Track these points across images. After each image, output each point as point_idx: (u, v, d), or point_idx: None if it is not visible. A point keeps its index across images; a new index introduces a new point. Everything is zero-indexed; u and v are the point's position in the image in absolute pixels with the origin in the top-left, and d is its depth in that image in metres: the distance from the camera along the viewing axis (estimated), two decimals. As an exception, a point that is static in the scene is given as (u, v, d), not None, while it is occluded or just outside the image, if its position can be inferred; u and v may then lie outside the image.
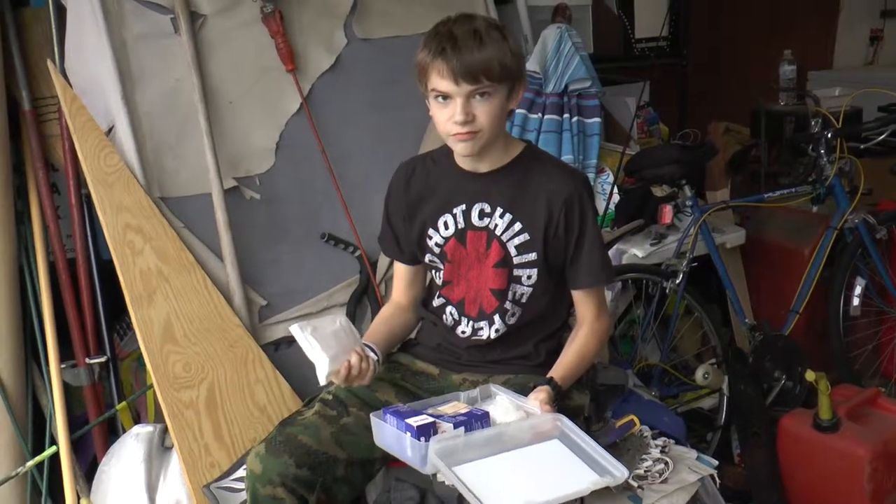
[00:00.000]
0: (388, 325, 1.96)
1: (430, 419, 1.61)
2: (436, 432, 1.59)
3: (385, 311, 2.02)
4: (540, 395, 1.68)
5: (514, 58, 1.70)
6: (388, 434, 1.65)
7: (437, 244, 1.87)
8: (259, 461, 1.67)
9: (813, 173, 3.05)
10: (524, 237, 1.81)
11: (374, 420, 1.68)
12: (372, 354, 1.80)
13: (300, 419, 1.76)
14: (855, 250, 3.02)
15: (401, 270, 2.00)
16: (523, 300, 1.86)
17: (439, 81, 1.67)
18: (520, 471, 1.56)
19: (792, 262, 3.18)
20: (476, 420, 1.64)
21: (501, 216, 1.81)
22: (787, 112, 3.53)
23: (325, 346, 1.68)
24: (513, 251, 1.82)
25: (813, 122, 3.08)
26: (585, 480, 1.53)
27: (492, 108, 1.69)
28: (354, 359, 1.72)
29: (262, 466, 1.66)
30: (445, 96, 1.69)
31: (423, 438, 1.58)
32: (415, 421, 1.60)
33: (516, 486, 1.51)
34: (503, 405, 1.70)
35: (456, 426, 1.61)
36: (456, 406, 1.70)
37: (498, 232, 1.82)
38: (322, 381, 1.68)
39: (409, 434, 1.59)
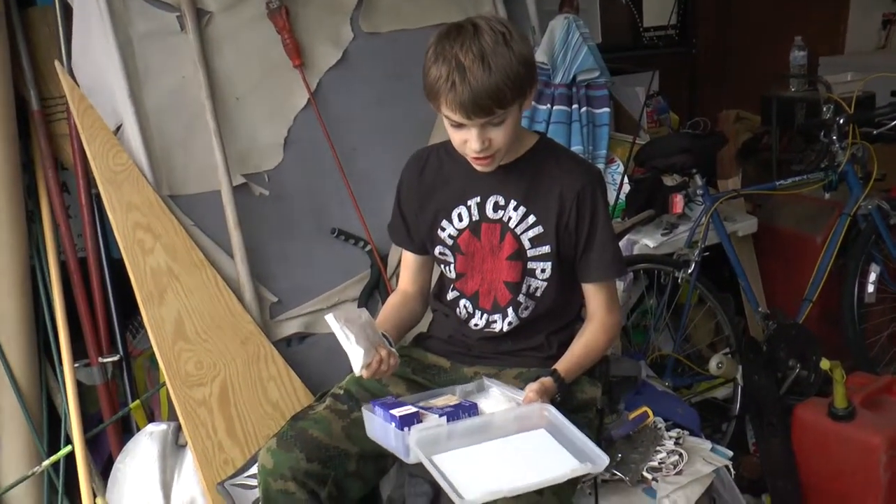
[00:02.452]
0: (397, 314, 1.94)
1: (414, 409, 1.62)
2: (420, 422, 1.61)
3: (392, 299, 2.00)
4: (533, 385, 1.68)
5: (524, 66, 1.64)
6: (377, 425, 1.65)
7: (450, 236, 1.86)
8: (270, 456, 1.67)
9: (825, 160, 3.02)
10: (538, 230, 1.80)
11: (365, 412, 1.68)
12: (391, 347, 1.79)
13: (311, 414, 1.76)
14: (869, 237, 3.00)
15: (409, 259, 1.99)
16: (537, 294, 1.85)
17: (451, 113, 1.64)
18: (500, 459, 1.55)
19: (805, 249, 3.16)
20: (463, 411, 1.64)
21: (515, 209, 1.80)
22: (798, 98, 3.49)
23: (358, 338, 1.68)
24: (527, 244, 1.81)
25: (825, 108, 3.05)
26: (564, 467, 1.52)
27: (507, 129, 1.67)
28: (384, 352, 1.70)
29: (274, 461, 1.66)
30: (459, 124, 1.67)
31: (406, 428, 1.59)
32: (399, 411, 1.61)
33: (493, 474, 1.51)
34: (495, 397, 1.70)
35: (441, 416, 1.62)
36: (448, 399, 1.71)
37: (512, 224, 1.81)
38: (357, 373, 1.67)
39: (392, 424, 1.60)
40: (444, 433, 1.58)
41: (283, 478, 1.65)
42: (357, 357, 1.66)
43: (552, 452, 1.56)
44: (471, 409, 1.65)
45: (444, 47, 1.62)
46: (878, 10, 5.06)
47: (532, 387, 1.67)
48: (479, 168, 1.75)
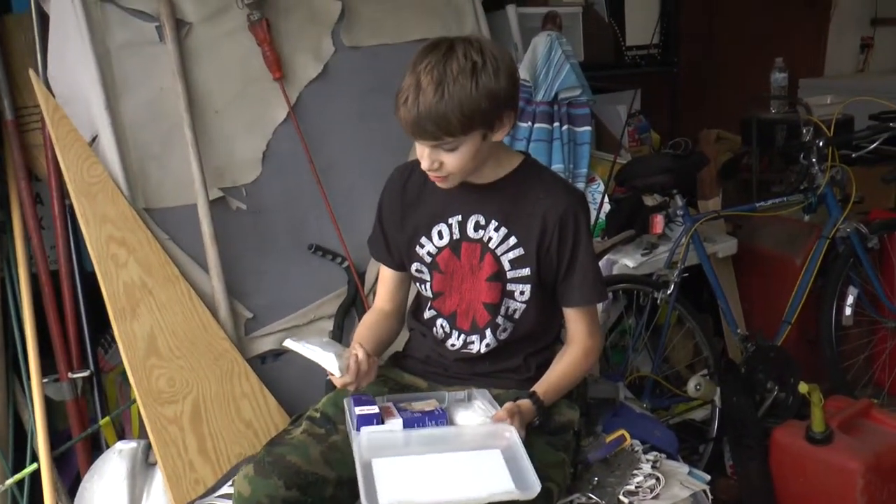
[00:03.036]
0: (373, 332, 1.91)
1: (376, 410, 1.63)
2: (379, 421, 1.61)
3: (368, 317, 1.97)
4: (509, 405, 1.66)
5: (488, 100, 1.59)
6: (348, 420, 1.67)
7: (429, 253, 1.83)
8: (248, 483, 1.63)
9: (805, 182, 3.03)
10: (518, 252, 1.78)
11: (346, 402, 1.69)
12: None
13: (288, 438, 1.73)
14: (847, 260, 3.01)
15: (387, 275, 1.96)
16: (516, 316, 1.83)
17: (404, 129, 1.64)
18: (440, 472, 1.54)
19: (784, 271, 3.17)
20: (431, 419, 1.63)
21: (496, 229, 1.78)
22: (778, 120, 3.52)
23: (324, 347, 1.66)
24: (507, 265, 1.79)
25: (804, 131, 3.06)
26: (490, 489, 1.50)
27: (461, 156, 1.65)
28: (360, 352, 1.68)
29: (251, 488, 1.62)
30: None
31: (360, 429, 1.61)
32: (362, 409, 1.62)
33: (421, 485, 1.50)
34: (474, 409, 1.69)
35: (406, 421, 1.62)
36: (428, 404, 1.70)
37: (492, 245, 1.79)
38: (338, 375, 1.65)
39: (355, 422, 1.62)
40: (397, 438, 1.59)
41: None
42: (331, 362, 1.64)
43: (493, 474, 1.54)
44: (439, 419, 1.64)
45: (416, 62, 1.61)
46: (857, 34, 5.13)
47: (506, 406, 1.65)
48: (437, 184, 1.73)
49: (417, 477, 1.52)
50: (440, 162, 1.66)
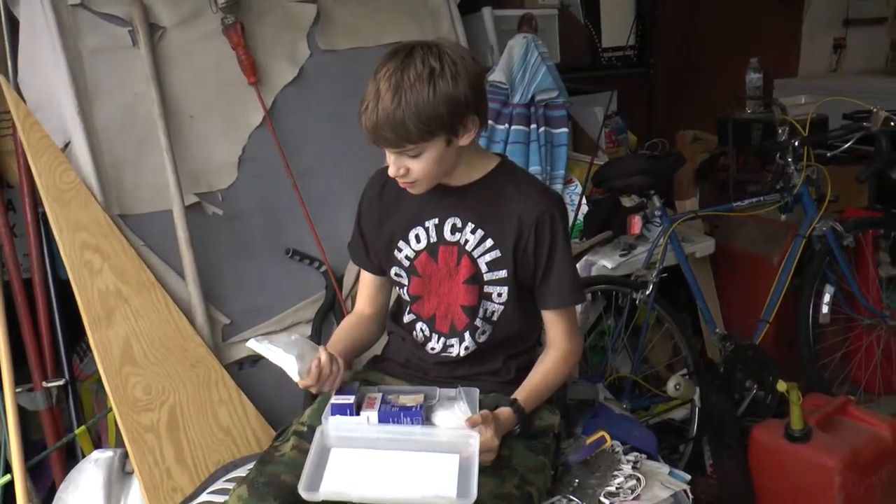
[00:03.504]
0: (350, 335, 1.91)
1: (352, 400, 1.65)
2: (352, 412, 1.64)
3: (348, 321, 1.97)
4: (486, 413, 1.65)
5: (447, 105, 1.58)
6: (327, 410, 1.69)
7: (406, 257, 1.83)
8: None
9: (781, 181, 3.05)
10: (495, 254, 1.77)
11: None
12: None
13: (278, 456, 1.71)
14: (823, 258, 3.03)
15: (367, 279, 1.96)
16: (494, 318, 1.82)
17: (365, 135, 1.64)
18: (389, 469, 1.57)
19: (761, 270, 3.19)
20: (407, 415, 1.64)
21: (473, 231, 1.78)
22: (754, 120, 3.54)
23: (287, 349, 1.65)
24: (483, 267, 1.79)
25: (780, 131, 3.08)
26: (422, 491, 1.53)
27: (425, 162, 1.65)
28: (324, 356, 1.67)
29: None
30: None
31: (339, 417, 1.65)
32: (338, 399, 1.65)
33: (363, 480, 1.55)
34: (454, 410, 1.68)
35: (381, 415, 1.64)
36: (412, 399, 1.70)
37: (469, 248, 1.78)
38: (297, 379, 1.64)
39: (329, 409, 1.65)
40: (363, 431, 1.62)
41: None
42: (290, 364, 1.64)
43: (442, 478, 1.55)
44: (415, 416, 1.64)
45: (377, 69, 1.62)
46: (829, 35, 5.18)
47: (483, 413, 1.64)
48: (407, 189, 1.74)
49: (366, 471, 1.55)
50: (406, 168, 1.66)
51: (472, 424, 1.61)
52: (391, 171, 1.68)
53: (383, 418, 1.64)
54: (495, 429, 1.63)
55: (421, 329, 1.86)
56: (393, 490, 1.54)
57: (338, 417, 1.64)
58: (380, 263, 1.90)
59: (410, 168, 1.66)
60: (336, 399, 1.66)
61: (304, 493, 1.51)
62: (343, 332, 1.92)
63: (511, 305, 1.81)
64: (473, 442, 1.58)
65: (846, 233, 3.03)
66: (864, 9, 5.18)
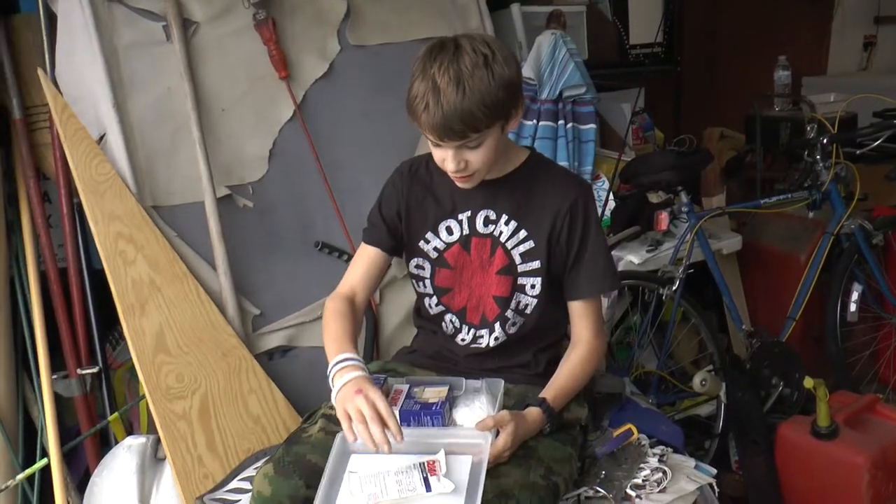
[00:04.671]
0: (351, 324, 1.79)
1: None
2: None
3: (339, 306, 1.80)
4: (503, 414, 1.63)
5: (504, 90, 1.60)
6: None
7: (435, 249, 1.84)
8: (268, 482, 1.63)
9: (809, 179, 3.04)
10: (529, 244, 1.79)
11: None
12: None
13: (305, 437, 1.73)
14: (851, 256, 3.01)
15: (371, 256, 1.87)
16: (526, 310, 1.83)
17: (427, 133, 1.63)
18: (401, 480, 1.55)
19: (788, 268, 3.18)
20: (427, 414, 1.65)
21: (507, 223, 1.79)
22: (782, 118, 3.52)
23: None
24: (517, 258, 1.80)
25: (808, 128, 3.07)
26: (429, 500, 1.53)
27: (484, 151, 1.66)
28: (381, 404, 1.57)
29: (272, 488, 1.62)
30: (437, 143, 1.66)
31: None
32: None
33: (376, 487, 1.53)
34: (472, 410, 1.69)
35: (402, 414, 1.64)
36: (436, 392, 1.70)
37: (503, 239, 1.80)
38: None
39: None
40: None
41: None
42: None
43: (452, 483, 1.55)
44: (435, 416, 1.65)
45: (425, 66, 1.60)
46: (860, 32, 5.13)
47: (501, 416, 1.62)
48: (460, 185, 1.74)
49: (380, 479, 1.54)
50: (466, 161, 1.66)
51: (483, 429, 1.61)
52: (451, 167, 1.66)
53: (404, 417, 1.65)
54: (514, 430, 1.62)
55: (451, 321, 1.88)
56: (401, 501, 1.53)
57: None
58: (397, 245, 1.88)
59: (470, 160, 1.66)
60: None
61: None
62: (346, 325, 1.78)
63: (543, 299, 1.82)
64: (485, 443, 1.58)
65: (875, 231, 3.02)
66: (895, 6, 5.12)
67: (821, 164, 2.98)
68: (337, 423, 1.73)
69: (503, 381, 1.77)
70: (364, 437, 1.52)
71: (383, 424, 1.52)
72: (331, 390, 1.64)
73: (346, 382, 1.60)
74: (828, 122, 3.03)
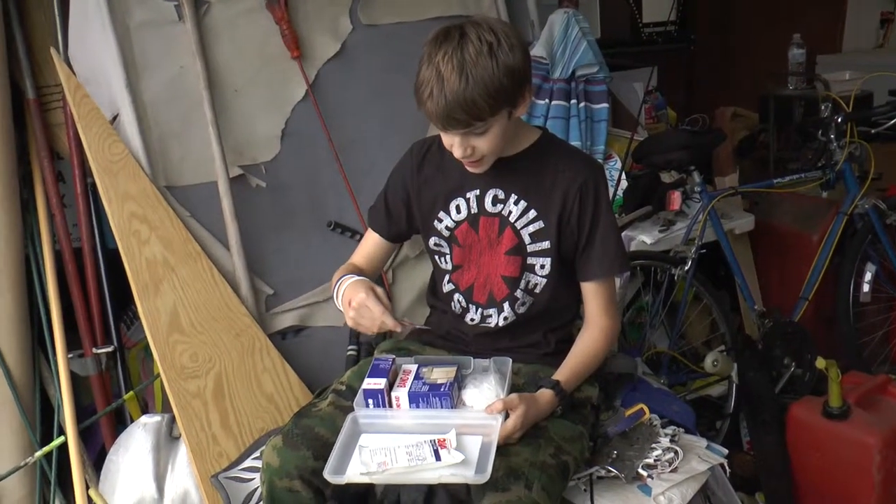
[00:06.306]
0: (358, 271, 1.87)
1: (382, 385, 1.67)
2: (383, 398, 1.67)
3: (345, 266, 1.91)
4: (513, 397, 1.64)
5: (509, 77, 1.60)
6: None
7: (447, 227, 1.85)
8: (276, 454, 1.66)
9: (822, 158, 3.03)
10: (538, 225, 1.79)
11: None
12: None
13: (315, 411, 1.75)
14: (865, 236, 3.00)
15: (374, 240, 1.95)
16: (536, 290, 1.84)
17: (433, 121, 1.64)
18: (411, 451, 1.58)
19: (801, 248, 3.17)
20: (436, 395, 1.66)
21: (516, 203, 1.79)
22: (796, 96, 3.50)
23: None
24: (527, 238, 1.80)
25: (822, 107, 3.05)
26: (440, 472, 1.55)
27: (491, 137, 1.66)
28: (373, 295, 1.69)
29: (280, 459, 1.65)
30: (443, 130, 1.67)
31: (370, 401, 1.68)
32: (369, 383, 1.68)
33: (386, 457, 1.57)
34: (481, 391, 1.70)
35: (411, 396, 1.66)
36: (445, 373, 1.72)
37: (512, 219, 1.80)
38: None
39: (361, 394, 1.70)
40: (392, 416, 1.67)
41: (289, 476, 1.63)
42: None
43: (462, 456, 1.57)
44: (443, 397, 1.66)
45: (431, 53, 1.61)
46: (876, 9, 5.08)
47: (509, 399, 1.63)
48: (470, 169, 1.75)
49: (390, 454, 1.57)
50: (472, 147, 1.67)
51: (493, 412, 1.62)
52: (457, 153, 1.68)
53: (413, 398, 1.67)
54: (524, 412, 1.63)
55: (458, 300, 1.89)
56: (412, 470, 1.55)
57: (367, 410, 1.67)
58: (398, 231, 1.92)
59: (477, 147, 1.67)
60: (368, 383, 1.68)
61: (329, 477, 1.54)
62: (355, 269, 1.88)
63: (553, 278, 1.82)
64: (495, 424, 1.60)
65: (889, 211, 3.01)
66: (913, -17, 5.07)
67: (835, 144, 2.97)
68: (346, 397, 1.76)
69: (511, 360, 1.78)
70: (367, 316, 1.66)
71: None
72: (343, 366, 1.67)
73: (351, 282, 1.74)
74: (842, 100, 3.01)
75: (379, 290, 1.72)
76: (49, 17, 2.50)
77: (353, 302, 1.70)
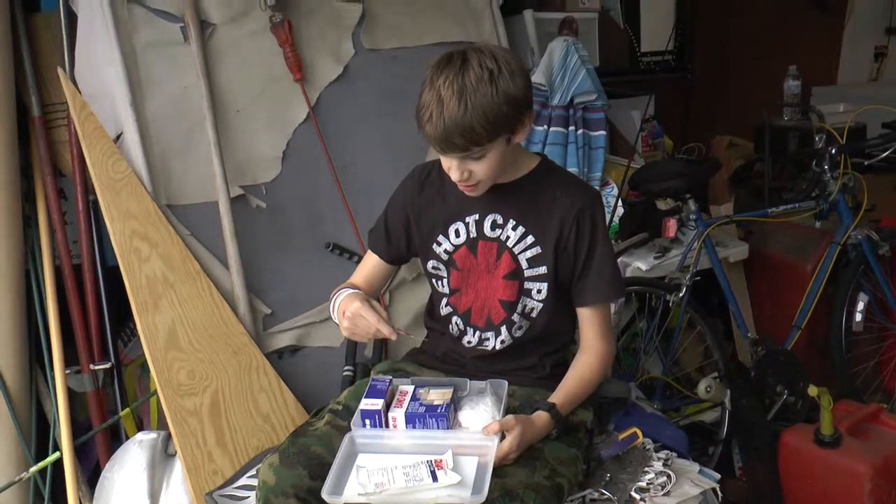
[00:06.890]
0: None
1: (379, 406, 1.68)
2: (380, 418, 1.67)
3: (344, 286, 1.90)
4: (509, 419, 1.65)
5: (509, 105, 1.62)
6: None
7: (445, 251, 1.87)
8: (273, 472, 1.66)
9: (816, 189, 3.06)
10: (536, 250, 1.81)
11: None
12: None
13: (311, 430, 1.76)
14: (858, 266, 3.03)
15: (373, 262, 1.96)
16: (533, 315, 1.86)
17: (432, 144, 1.67)
18: (408, 472, 1.59)
19: (795, 277, 3.19)
20: (432, 416, 1.67)
21: (514, 228, 1.82)
22: (791, 127, 3.54)
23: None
24: (524, 263, 1.82)
25: (817, 138, 3.09)
26: (436, 492, 1.56)
27: (488, 163, 1.68)
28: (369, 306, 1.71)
29: (276, 478, 1.65)
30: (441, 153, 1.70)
31: (367, 421, 1.68)
32: (367, 403, 1.68)
33: (384, 478, 1.57)
34: (477, 412, 1.70)
35: (408, 416, 1.67)
36: (441, 394, 1.72)
37: (510, 244, 1.82)
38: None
39: (358, 415, 1.70)
40: (389, 437, 1.66)
41: (284, 495, 1.64)
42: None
43: (458, 479, 1.58)
44: (440, 419, 1.67)
45: (433, 77, 1.63)
46: (870, 43, 5.14)
47: (505, 420, 1.64)
48: (466, 193, 1.77)
49: (386, 475, 1.58)
50: (469, 171, 1.69)
51: (490, 433, 1.63)
52: (454, 177, 1.70)
53: (409, 419, 1.67)
54: (520, 434, 1.64)
55: (456, 323, 1.90)
56: (409, 491, 1.56)
57: (364, 431, 1.67)
58: (397, 254, 1.94)
59: (473, 171, 1.69)
60: (365, 404, 1.68)
61: (327, 497, 1.54)
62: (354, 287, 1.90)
63: (550, 303, 1.84)
64: (491, 445, 1.61)
65: (882, 241, 3.04)
66: (907, 17, 5.14)
67: (829, 175, 3.00)
68: (343, 417, 1.77)
69: (507, 383, 1.78)
70: (362, 325, 1.69)
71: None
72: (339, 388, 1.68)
73: (347, 294, 1.78)
74: (836, 132, 3.05)
75: (373, 301, 1.74)
76: (56, 36, 2.53)
77: (347, 312, 1.72)
